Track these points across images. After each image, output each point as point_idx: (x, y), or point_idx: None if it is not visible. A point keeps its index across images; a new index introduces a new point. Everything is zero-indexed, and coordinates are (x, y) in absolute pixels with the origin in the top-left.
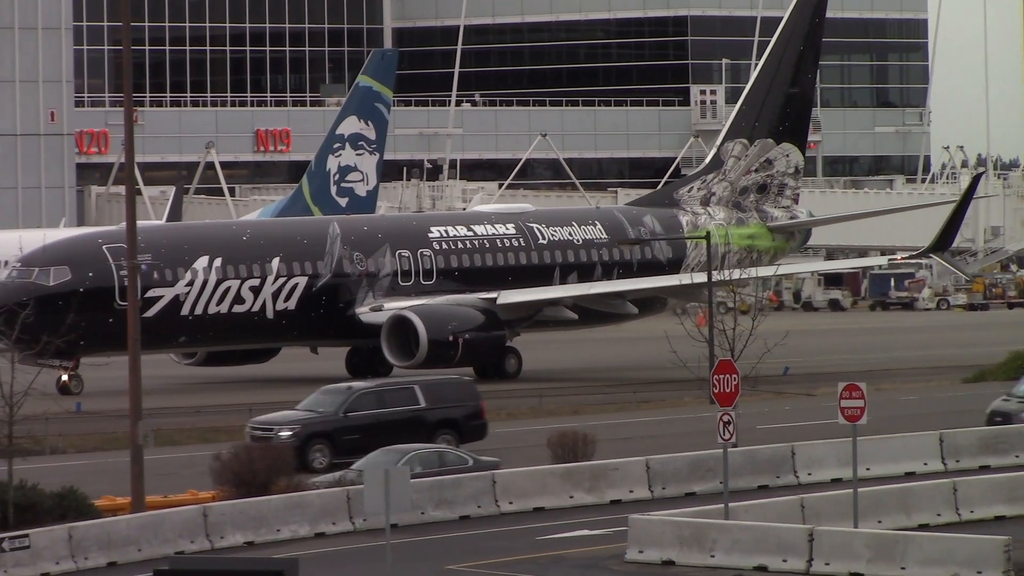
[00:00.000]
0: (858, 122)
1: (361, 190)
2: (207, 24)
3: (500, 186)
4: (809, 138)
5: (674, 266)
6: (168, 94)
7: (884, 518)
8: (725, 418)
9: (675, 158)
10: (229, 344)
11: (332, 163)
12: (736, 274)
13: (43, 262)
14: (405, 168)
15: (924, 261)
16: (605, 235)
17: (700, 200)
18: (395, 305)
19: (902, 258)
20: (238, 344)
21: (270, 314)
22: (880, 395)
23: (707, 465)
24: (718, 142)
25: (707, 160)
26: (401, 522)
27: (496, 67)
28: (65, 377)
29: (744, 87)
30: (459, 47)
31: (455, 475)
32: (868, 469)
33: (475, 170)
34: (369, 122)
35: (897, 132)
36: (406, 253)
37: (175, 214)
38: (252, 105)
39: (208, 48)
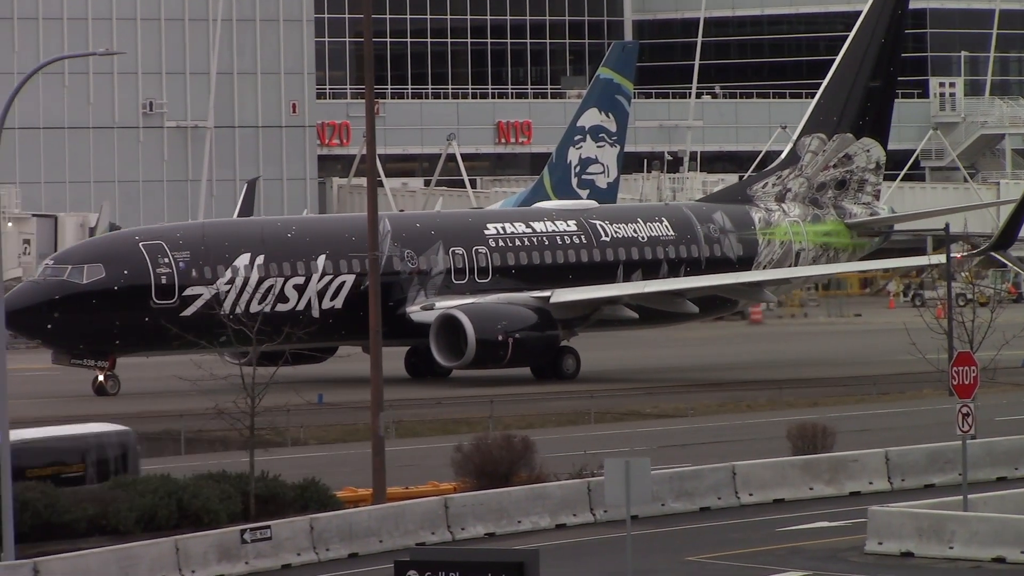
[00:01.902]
0: None
1: (602, 182)
2: (448, 16)
3: (740, 178)
4: None
5: (745, 264)
6: (409, 86)
7: None
8: (964, 410)
9: (914, 150)
10: (273, 344)
11: (573, 155)
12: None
13: (77, 260)
14: (645, 160)
15: None
16: (672, 232)
17: (775, 196)
18: (447, 304)
19: (960, 256)
20: (282, 344)
21: (316, 313)
22: None
23: (946, 457)
24: (795, 137)
25: (783, 155)
26: (641, 513)
27: (736, 59)
28: (101, 377)
29: (984, 79)
30: (699, 39)
31: (695, 466)
32: None
33: (715, 162)
34: (610, 114)
35: None
36: (460, 250)
37: (246, 210)
38: (493, 97)
39: (449, 40)
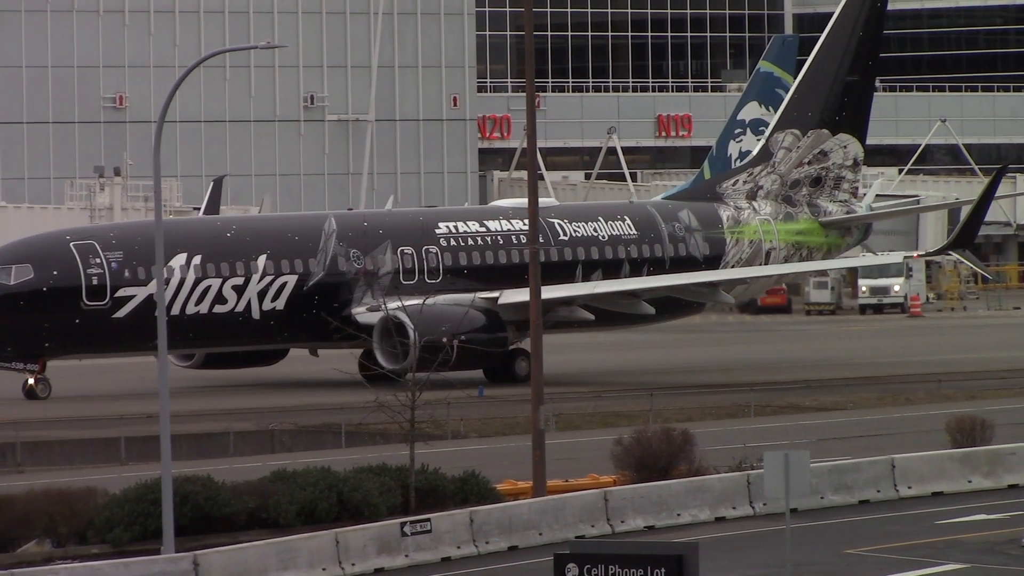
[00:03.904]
0: None
1: None
2: (609, 10)
3: (900, 171)
4: None
5: (712, 263)
6: (570, 79)
7: None
8: None
9: None
10: (212, 346)
11: (733, 148)
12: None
13: (4, 260)
14: None
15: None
16: (635, 231)
17: (746, 194)
18: (393, 305)
19: (918, 255)
20: (222, 346)
21: (256, 314)
22: None
23: None
24: (767, 133)
25: (754, 152)
26: (800, 506)
27: (896, 53)
28: (31, 381)
29: None
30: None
31: (854, 459)
32: None
33: (874, 155)
34: (770, 108)
35: None
36: (409, 250)
37: (212, 208)
38: (653, 91)
39: (610, 34)
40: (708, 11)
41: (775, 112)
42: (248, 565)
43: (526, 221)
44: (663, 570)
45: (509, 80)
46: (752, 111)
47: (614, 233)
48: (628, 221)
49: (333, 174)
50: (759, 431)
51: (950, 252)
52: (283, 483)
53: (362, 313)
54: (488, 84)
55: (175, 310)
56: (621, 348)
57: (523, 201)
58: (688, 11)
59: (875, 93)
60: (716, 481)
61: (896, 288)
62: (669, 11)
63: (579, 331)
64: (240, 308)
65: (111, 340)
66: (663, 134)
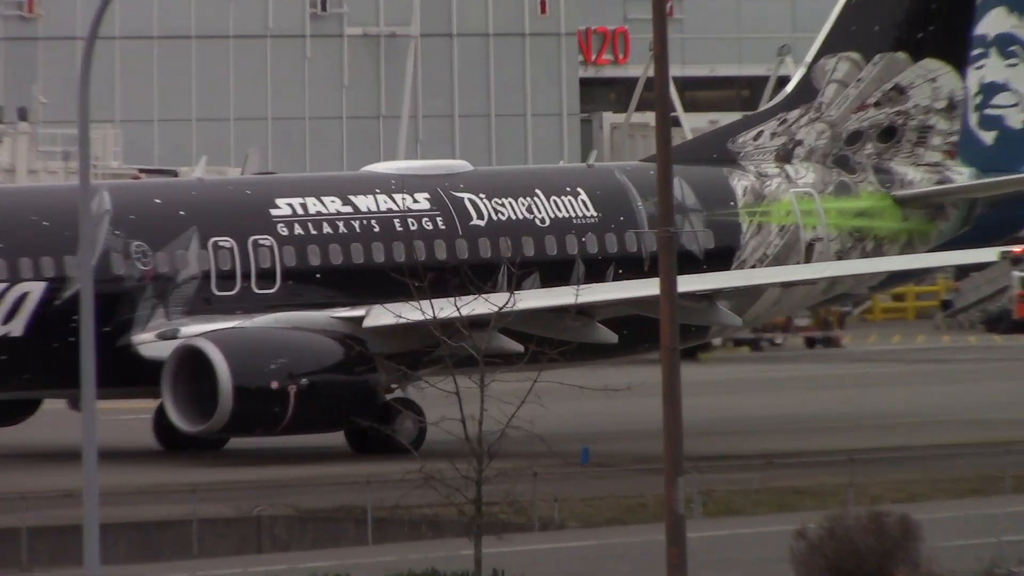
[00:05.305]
0: None
1: (1016, 120)
2: None
3: None
4: None
5: (719, 262)
6: None
7: None
8: None
9: None
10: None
11: (971, 79)
12: None
13: None
14: None
15: None
16: (594, 211)
17: (775, 153)
18: (197, 329)
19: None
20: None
21: None
22: None
23: None
24: (808, 58)
25: (789, 88)
26: None
27: None
28: None
29: None
30: None
31: None
32: None
33: None
34: None
35: None
36: (227, 243)
37: None
38: None
39: None
40: None
41: None
42: None
43: (419, 196)
44: None
45: None
46: (998, 22)
47: (561, 215)
48: (584, 196)
49: (355, 117)
50: (1018, 517)
51: None
52: None
53: (149, 342)
54: None
55: None
56: (792, 386)
57: (410, 164)
58: None
59: None
60: None
61: None
62: None
63: (505, 370)
64: None
65: None
66: None
